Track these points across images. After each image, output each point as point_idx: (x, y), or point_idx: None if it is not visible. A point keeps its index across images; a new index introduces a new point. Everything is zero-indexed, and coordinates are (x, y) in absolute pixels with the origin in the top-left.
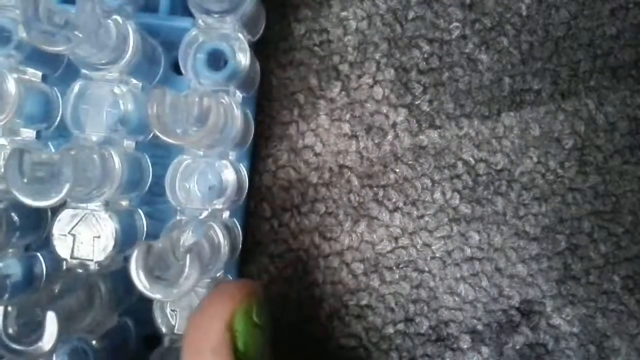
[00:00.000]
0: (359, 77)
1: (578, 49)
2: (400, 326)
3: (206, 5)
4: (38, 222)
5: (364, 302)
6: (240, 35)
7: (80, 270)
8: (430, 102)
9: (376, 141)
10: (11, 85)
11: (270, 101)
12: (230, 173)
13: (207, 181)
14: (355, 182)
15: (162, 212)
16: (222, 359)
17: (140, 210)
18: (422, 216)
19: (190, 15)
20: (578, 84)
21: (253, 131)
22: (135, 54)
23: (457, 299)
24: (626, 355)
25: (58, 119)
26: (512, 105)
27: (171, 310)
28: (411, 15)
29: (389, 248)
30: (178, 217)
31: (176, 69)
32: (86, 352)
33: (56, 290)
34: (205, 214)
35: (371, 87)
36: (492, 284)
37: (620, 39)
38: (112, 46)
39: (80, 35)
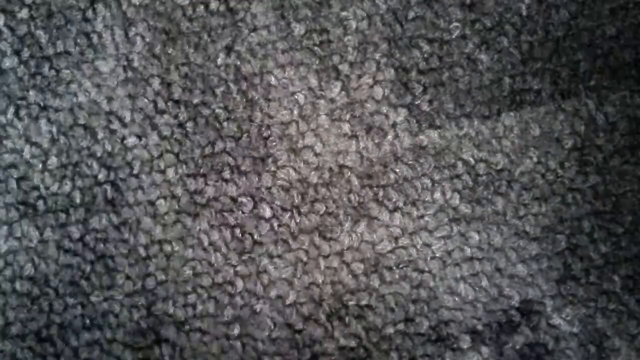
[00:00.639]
0: (359, 77)
1: (578, 49)
2: (400, 326)
3: None
4: None
5: (364, 302)
6: None
7: None
8: (430, 102)
9: (376, 141)
10: None
11: (270, 101)
12: None
13: None
14: (355, 182)
15: None
16: None
17: None
18: (422, 216)
19: None
20: (578, 84)
21: None
22: None
23: (457, 299)
24: (626, 355)
25: None
26: (512, 105)
27: None
28: (411, 15)
29: (389, 248)
30: None
31: None
32: None
33: None
34: None
35: (371, 87)
36: (492, 284)
37: (620, 39)
38: None
39: None
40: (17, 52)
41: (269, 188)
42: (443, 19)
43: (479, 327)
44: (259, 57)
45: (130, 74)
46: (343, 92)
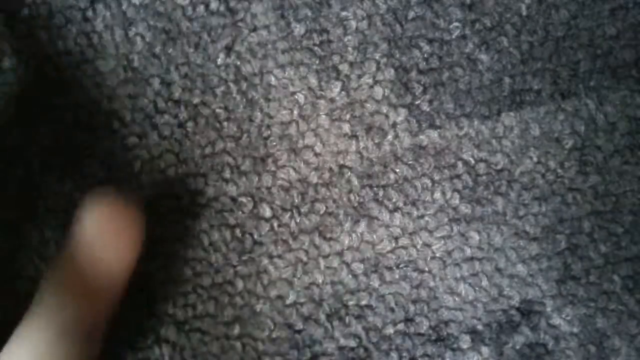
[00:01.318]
0: (359, 77)
1: (578, 49)
2: (400, 326)
3: None
4: None
5: (364, 302)
6: None
7: None
8: (430, 102)
9: (376, 141)
10: None
11: (270, 101)
12: None
13: None
14: (355, 182)
15: None
16: None
17: None
18: (422, 216)
19: None
20: (578, 84)
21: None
22: None
23: (457, 299)
24: (626, 355)
25: None
26: (512, 105)
27: None
28: (411, 15)
29: (389, 248)
30: None
31: None
32: None
33: None
34: None
35: (371, 87)
36: (492, 284)
37: (620, 39)
38: None
39: None
40: (17, 52)
41: (269, 188)
42: (443, 19)
43: (479, 327)
44: (259, 57)
45: (130, 74)
46: (343, 92)
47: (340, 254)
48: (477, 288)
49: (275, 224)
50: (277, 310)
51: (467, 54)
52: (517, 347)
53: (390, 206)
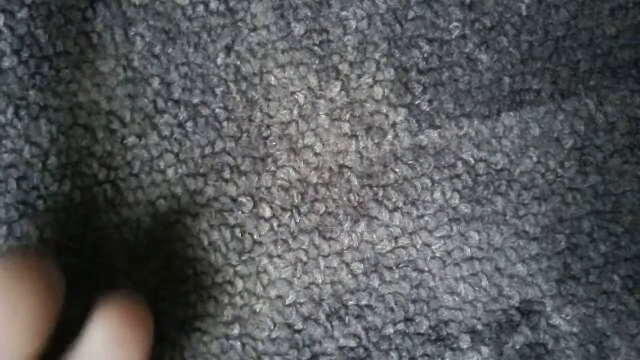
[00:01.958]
0: (359, 77)
1: (578, 49)
2: (400, 326)
3: None
4: None
5: (364, 302)
6: None
7: None
8: (430, 102)
9: (376, 141)
10: None
11: (270, 101)
12: None
13: None
14: (355, 182)
15: None
16: None
17: None
18: (422, 216)
19: None
20: (578, 84)
21: None
22: None
23: (457, 299)
24: (626, 355)
25: None
26: (512, 105)
27: None
28: (411, 15)
29: (389, 248)
30: None
31: None
32: None
33: None
34: None
35: (371, 87)
36: (492, 284)
37: (620, 39)
38: None
39: None
40: (17, 52)
41: (269, 188)
42: (443, 19)
43: (479, 327)
44: (259, 57)
45: (130, 74)
46: (343, 92)
47: (340, 254)
48: (477, 288)
49: (275, 224)
50: (277, 310)
51: (467, 54)
52: (517, 347)
53: (390, 206)
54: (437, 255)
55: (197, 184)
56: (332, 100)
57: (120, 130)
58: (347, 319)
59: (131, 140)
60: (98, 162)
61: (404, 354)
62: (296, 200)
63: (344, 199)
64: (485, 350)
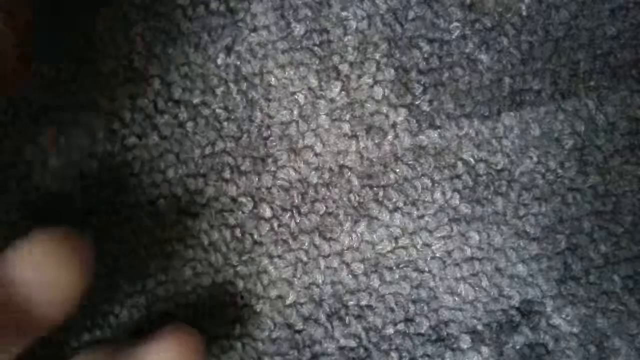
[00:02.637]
0: (359, 77)
1: (578, 49)
2: (400, 326)
3: None
4: None
5: (364, 302)
6: None
7: None
8: (430, 102)
9: (376, 141)
10: None
11: (270, 101)
12: None
13: None
14: (355, 182)
15: None
16: None
17: None
18: (422, 216)
19: None
20: (578, 84)
21: None
22: None
23: (457, 299)
24: (626, 355)
25: None
26: (512, 105)
27: None
28: (411, 15)
29: (389, 248)
30: None
31: None
32: None
33: None
34: None
35: (371, 87)
36: (492, 284)
37: (620, 39)
38: None
39: None
40: None
41: (269, 188)
42: (443, 19)
43: (479, 327)
44: (259, 57)
45: (130, 74)
46: (343, 92)
47: (340, 254)
48: (477, 288)
49: (275, 224)
50: (277, 310)
51: (467, 54)
52: (517, 347)
53: (390, 206)
54: (437, 255)
55: (197, 184)
56: (332, 100)
57: (120, 130)
58: (347, 319)
59: (131, 140)
60: (98, 162)
61: (404, 354)
62: (296, 200)
63: (344, 199)
64: (485, 350)
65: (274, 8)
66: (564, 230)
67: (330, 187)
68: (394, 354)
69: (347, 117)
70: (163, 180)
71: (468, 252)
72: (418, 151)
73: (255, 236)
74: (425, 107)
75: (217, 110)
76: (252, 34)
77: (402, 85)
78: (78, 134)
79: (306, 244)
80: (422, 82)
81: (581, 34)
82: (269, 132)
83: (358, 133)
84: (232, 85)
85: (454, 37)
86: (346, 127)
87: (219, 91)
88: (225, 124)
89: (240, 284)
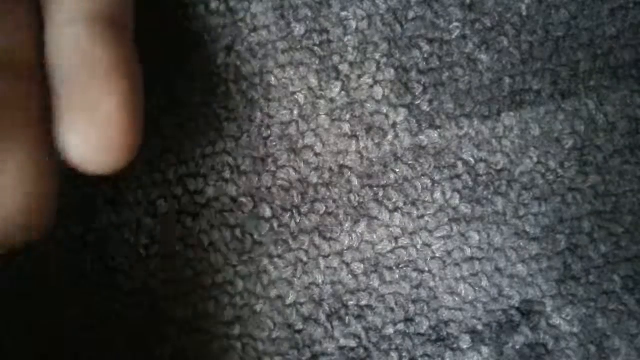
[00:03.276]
0: (359, 77)
1: (578, 49)
2: (400, 326)
3: None
4: None
5: (364, 302)
6: None
7: None
8: (430, 102)
9: (376, 141)
10: None
11: (270, 101)
12: None
13: None
14: (355, 182)
15: None
16: None
17: None
18: (422, 216)
19: None
20: (578, 84)
21: None
22: None
23: (457, 299)
24: (626, 355)
25: None
26: (512, 105)
27: None
28: (411, 15)
29: (389, 248)
30: None
31: None
32: None
33: None
34: None
35: (371, 87)
36: (492, 284)
37: (620, 39)
38: None
39: None
40: None
41: (269, 188)
42: (443, 19)
43: (479, 327)
44: (259, 57)
45: None
46: (343, 92)
47: (340, 254)
48: (477, 288)
49: (275, 224)
50: (277, 310)
51: (467, 54)
52: (517, 347)
53: (390, 206)
54: (437, 255)
55: (197, 184)
56: (332, 100)
57: None
58: (347, 319)
59: None
60: None
61: (404, 354)
62: (296, 200)
63: (344, 199)
64: (485, 350)
65: (274, 8)
66: (564, 230)
67: (330, 187)
68: (394, 354)
69: (347, 117)
70: (163, 180)
71: (468, 252)
72: (418, 151)
73: (255, 236)
74: (425, 107)
75: (217, 110)
76: (252, 34)
77: (402, 85)
78: None
79: (306, 244)
80: (422, 82)
81: (581, 34)
82: (269, 132)
83: (358, 133)
84: (232, 85)
85: (454, 37)
86: (346, 127)
87: (219, 91)
88: (225, 124)
89: (240, 284)
